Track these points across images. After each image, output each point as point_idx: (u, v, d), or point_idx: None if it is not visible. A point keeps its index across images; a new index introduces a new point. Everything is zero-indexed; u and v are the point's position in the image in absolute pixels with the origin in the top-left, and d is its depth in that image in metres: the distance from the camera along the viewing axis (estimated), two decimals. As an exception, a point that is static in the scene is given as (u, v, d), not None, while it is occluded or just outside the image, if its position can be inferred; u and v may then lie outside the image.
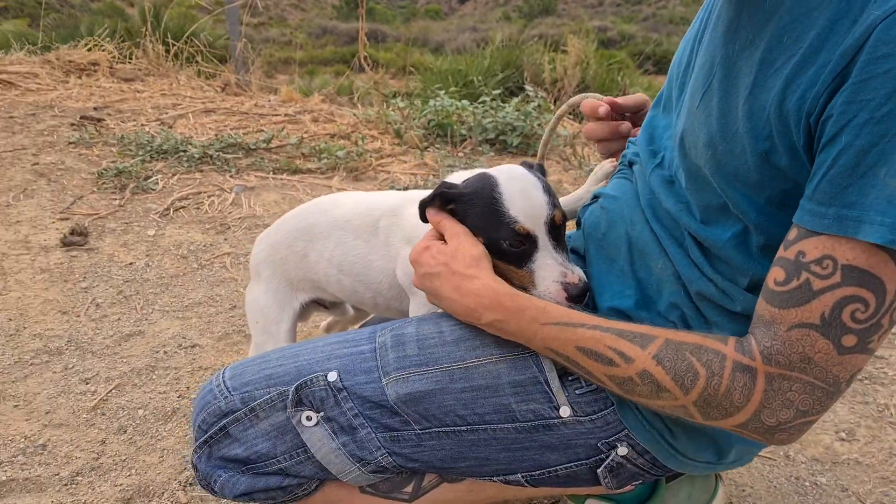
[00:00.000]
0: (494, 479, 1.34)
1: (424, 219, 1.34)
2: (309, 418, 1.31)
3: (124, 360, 2.34)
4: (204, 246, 3.16)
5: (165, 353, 2.38)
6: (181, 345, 2.43)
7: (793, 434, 1.00)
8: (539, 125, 4.70)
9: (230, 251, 3.12)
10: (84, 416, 2.08)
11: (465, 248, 1.25)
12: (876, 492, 1.89)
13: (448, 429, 1.29)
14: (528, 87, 8.95)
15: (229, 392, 1.37)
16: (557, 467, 1.30)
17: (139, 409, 2.11)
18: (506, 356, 1.28)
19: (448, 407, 1.27)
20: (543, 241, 1.25)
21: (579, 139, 4.76)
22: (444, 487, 1.41)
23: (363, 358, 1.33)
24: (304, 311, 1.86)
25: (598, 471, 1.29)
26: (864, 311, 0.89)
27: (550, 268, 1.25)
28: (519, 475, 1.32)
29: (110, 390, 2.18)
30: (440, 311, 1.40)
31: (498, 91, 8.99)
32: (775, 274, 0.97)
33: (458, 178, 1.40)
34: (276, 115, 5.29)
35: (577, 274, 1.24)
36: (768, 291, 0.99)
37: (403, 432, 1.30)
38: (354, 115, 5.11)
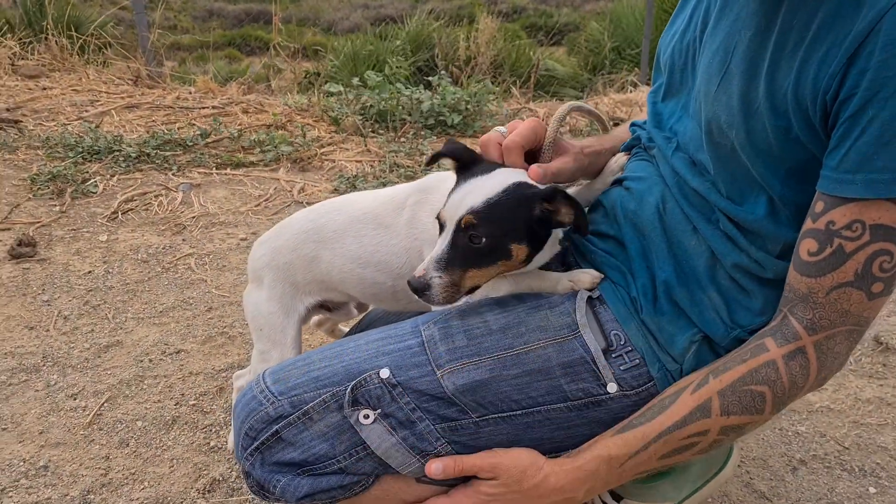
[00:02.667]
0: (548, 457, 1.40)
1: None
2: (366, 416, 1.33)
3: (108, 373, 2.27)
4: (163, 248, 3.07)
5: (150, 361, 2.33)
6: (165, 351, 2.38)
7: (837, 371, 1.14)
8: (481, 107, 4.76)
9: (191, 252, 3.05)
10: (81, 432, 2.01)
11: (507, 465, 1.28)
12: (851, 435, 2.05)
13: (504, 414, 1.34)
14: (439, 63, 8.99)
15: (276, 397, 1.37)
16: (607, 441, 1.37)
17: (137, 420, 2.07)
18: (552, 339, 1.33)
19: (503, 393, 1.32)
20: (447, 233, 1.26)
21: (520, 117, 4.84)
22: (498, 470, 1.46)
23: (412, 352, 1.36)
24: (307, 315, 1.85)
25: None
26: (890, 262, 1.02)
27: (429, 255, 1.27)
28: (573, 452, 1.38)
29: (102, 404, 2.12)
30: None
31: (407, 72, 8.99)
32: (808, 245, 1.07)
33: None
34: (204, 107, 5.14)
35: (422, 269, 1.24)
36: (802, 263, 1.08)
37: (461, 421, 1.33)
38: (286, 104, 5.03)
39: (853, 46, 0.98)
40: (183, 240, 3.16)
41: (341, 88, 5.14)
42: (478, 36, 9.14)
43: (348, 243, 1.65)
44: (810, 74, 1.03)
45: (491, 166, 1.33)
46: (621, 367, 1.32)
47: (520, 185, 1.26)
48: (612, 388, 1.31)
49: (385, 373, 1.33)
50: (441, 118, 4.69)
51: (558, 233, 1.38)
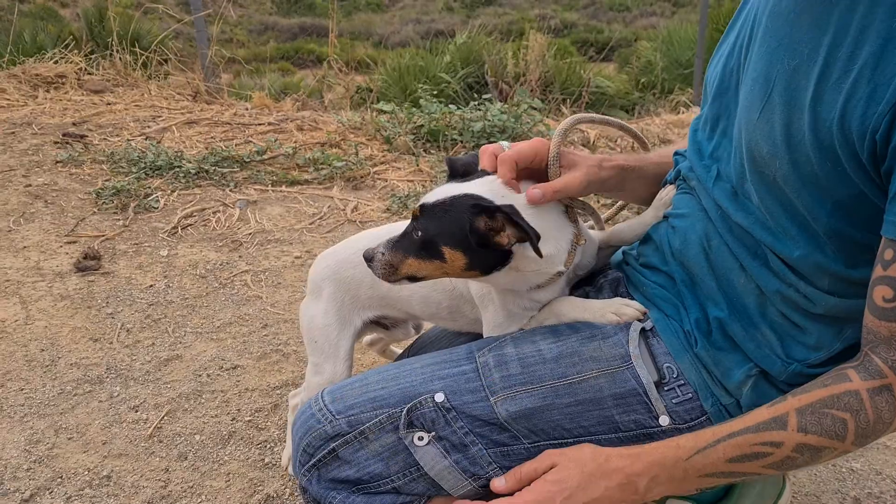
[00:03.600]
0: (598, 487, 1.41)
1: None
2: (421, 438, 1.37)
3: (168, 386, 2.35)
4: (220, 264, 3.17)
5: (208, 376, 2.40)
6: (222, 367, 2.45)
7: None
8: (529, 128, 4.79)
9: (248, 269, 3.14)
10: (142, 444, 2.09)
11: (567, 454, 1.28)
12: (908, 474, 2.02)
13: (556, 441, 1.36)
14: (489, 80, 9.01)
15: (333, 416, 1.42)
16: (658, 474, 1.38)
17: (195, 434, 2.13)
18: (605, 370, 1.35)
19: (555, 421, 1.34)
20: (410, 223, 1.35)
21: (570, 139, 4.85)
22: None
23: (466, 378, 1.39)
24: (362, 330, 1.90)
25: None
26: None
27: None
28: (621, 483, 1.39)
29: (162, 417, 2.19)
30: (516, 321, 1.48)
31: (457, 87, 9.02)
32: (882, 293, 1.06)
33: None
34: (260, 124, 5.27)
35: (378, 244, 1.37)
36: (878, 309, 1.07)
37: (513, 447, 1.36)
38: (340, 121, 5.12)
39: None
40: (239, 256, 3.25)
41: (394, 107, 5.22)
42: (527, 52, 9.12)
43: None
44: (857, 111, 1.03)
45: (476, 176, 1.37)
46: (673, 401, 1.33)
47: (470, 196, 1.29)
48: (664, 420, 1.32)
49: (440, 397, 1.37)
50: (493, 140, 4.73)
51: (555, 260, 1.37)
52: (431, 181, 4.19)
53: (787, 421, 1.13)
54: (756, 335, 1.30)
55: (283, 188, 4.04)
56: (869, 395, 1.08)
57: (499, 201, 1.30)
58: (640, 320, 1.42)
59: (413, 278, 1.36)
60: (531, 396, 1.35)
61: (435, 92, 6.29)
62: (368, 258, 1.37)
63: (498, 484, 1.32)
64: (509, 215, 1.23)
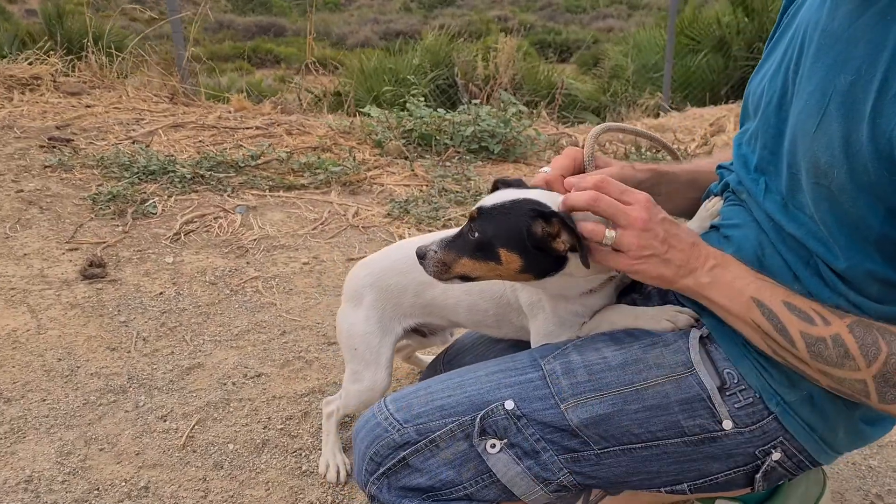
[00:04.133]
0: (662, 489, 1.46)
1: None
2: (493, 446, 1.40)
3: (194, 395, 2.34)
4: (229, 271, 3.15)
5: (234, 384, 2.40)
6: (246, 375, 2.45)
7: None
8: (518, 132, 4.84)
9: (257, 275, 3.13)
10: (176, 454, 2.08)
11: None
12: (921, 469, 2.11)
13: (625, 447, 1.40)
14: (458, 82, 9.02)
15: (401, 425, 1.44)
16: (718, 475, 1.43)
17: (228, 443, 2.13)
18: (669, 376, 1.40)
19: (625, 427, 1.38)
20: (467, 223, 1.37)
21: (559, 144, 4.93)
22: (607, 499, 1.53)
23: (534, 385, 1.43)
24: (402, 338, 1.92)
25: (756, 476, 1.42)
26: None
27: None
28: (685, 485, 1.45)
29: (193, 426, 2.19)
30: (567, 329, 1.52)
31: (426, 89, 9.01)
32: None
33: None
34: (247, 128, 5.24)
35: (430, 241, 1.39)
36: None
37: (583, 453, 1.40)
38: (330, 126, 5.12)
39: None
40: (247, 262, 3.24)
41: (381, 112, 5.23)
42: (496, 55, 9.15)
43: None
44: None
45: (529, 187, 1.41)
46: (736, 406, 1.37)
47: (529, 201, 1.32)
48: (727, 425, 1.37)
49: (510, 404, 1.40)
50: (483, 144, 4.78)
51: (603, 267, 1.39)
52: (427, 185, 4.22)
53: (845, 316, 1.20)
54: None
55: (281, 193, 4.03)
56: None
57: (556, 208, 1.33)
58: (694, 327, 1.48)
59: (465, 278, 1.39)
60: (601, 403, 1.39)
61: (411, 94, 6.29)
62: (421, 255, 1.38)
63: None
64: (565, 221, 1.27)
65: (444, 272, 1.38)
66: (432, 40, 10.23)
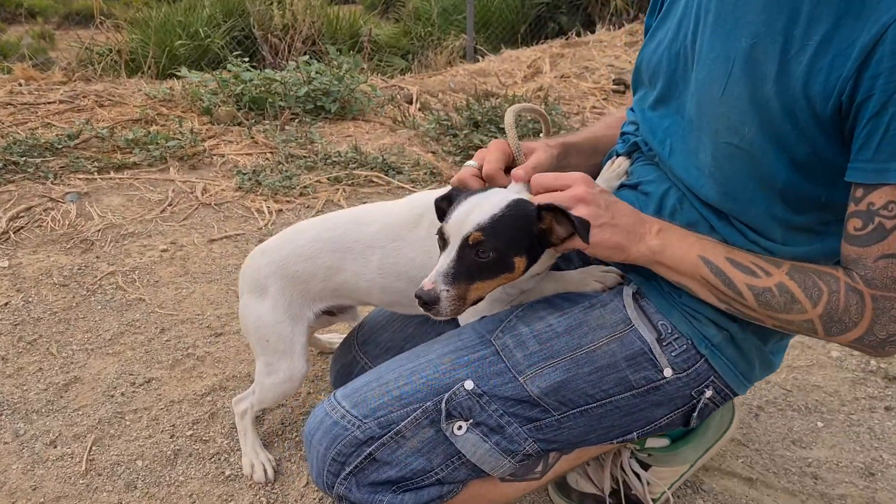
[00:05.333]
0: (614, 441, 1.56)
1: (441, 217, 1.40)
2: (460, 427, 1.42)
3: (80, 413, 2.14)
4: (78, 269, 2.87)
5: (123, 395, 2.21)
6: (134, 382, 2.27)
7: None
8: (353, 89, 4.74)
9: (112, 269, 2.88)
10: (80, 482, 1.90)
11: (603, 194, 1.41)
12: (790, 378, 2.39)
13: (582, 408, 1.47)
14: (256, 34, 8.66)
15: (361, 420, 1.43)
16: (662, 419, 1.54)
17: (136, 460, 1.98)
18: (613, 335, 1.48)
19: (580, 389, 1.45)
20: (452, 248, 1.32)
21: (397, 99, 4.89)
22: (562, 459, 1.61)
23: (489, 362, 1.46)
24: (314, 323, 1.87)
25: (693, 415, 1.55)
26: None
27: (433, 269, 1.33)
28: (634, 433, 1.55)
29: (90, 448, 2.01)
30: (498, 305, 1.57)
31: (221, 41, 8.53)
32: (854, 224, 1.27)
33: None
34: (50, 102, 4.73)
35: (431, 282, 1.30)
36: (850, 237, 1.27)
37: (545, 420, 1.46)
38: (148, 94, 4.73)
39: (862, 56, 1.16)
40: (97, 257, 2.96)
41: (200, 76, 4.92)
42: (293, 2, 8.81)
43: (374, 255, 1.69)
44: (820, 78, 1.21)
45: (484, 189, 1.43)
46: (673, 354, 1.48)
47: (520, 202, 1.35)
48: (668, 373, 1.48)
49: (469, 384, 1.43)
50: (319, 104, 4.64)
51: None
52: (272, 152, 4.05)
53: (782, 265, 1.33)
54: None
55: (113, 174, 3.70)
56: (845, 287, 1.26)
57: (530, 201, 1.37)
58: (621, 284, 1.57)
59: (476, 301, 1.36)
60: (555, 370, 1.44)
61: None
62: (432, 301, 1.28)
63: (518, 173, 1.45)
64: (563, 211, 1.29)
65: (460, 307, 1.32)
66: None
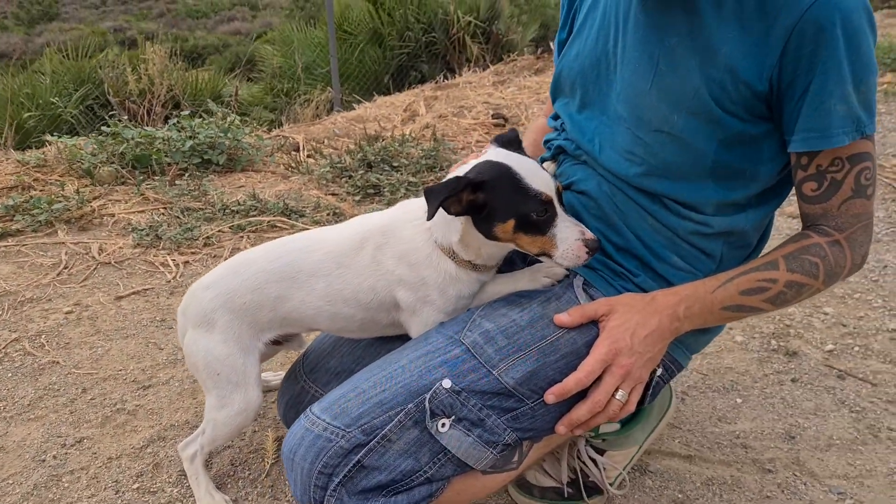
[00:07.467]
0: (581, 424, 1.64)
1: (433, 213, 1.42)
2: (444, 425, 1.47)
3: (10, 482, 2.00)
4: (-23, 339, 2.70)
5: (55, 458, 2.09)
6: (64, 444, 2.15)
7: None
8: (239, 140, 4.72)
9: (16, 336, 2.72)
10: (25, 551, 1.79)
11: (620, 300, 1.56)
12: (704, 364, 2.58)
13: (553, 395, 1.56)
14: (112, 101, 8.44)
15: (344, 430, 1.46)
16: (620, 400, 1.65)
17: (82, 521, 1.89)
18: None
19: (550, 377, 1.54)
20: (558, 208, 1.51)
21: (285, 147, 4.89)
22: (534, 448, 1.68)
23: (462, 360, 1.52)
24: (264, 352, 1.87)
25: (647, 393, 1.67)
26: (870, 171, 1.45)
27: (570, 229, 1.50)
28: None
29: (30, 517, 1.89)
30: (450, 315, 1.66)
31: (75, 110, 8.26)
32: (809, 186, 1.47)
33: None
34: None
35: (590, 232, 1.50)
36: (809, 198, 1.48)
37: (521, 409, 1.53)
38: (18, 160, 4.51)
39: (780, 45, 1.36)
40: (-4, 326, 2.80)
41: (75, 139, 4.75)
42: (147, 66, 8.65)
43: (319, 283, 1.72)
44: (748, 65, 1.40)
45: (494, 161, 1.54)
46: None
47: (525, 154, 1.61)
48: None
49: (447, 383, 1.49)
50: (206, 157, 4.58)
51: None
52: (165, 207, 3.96)
53: (778, 264, 1.49)
54: (667, 269, 1.64)
55: (-4, 243, 3.50)
56: (828, 246, 1.47)
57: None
58: (568, 276, 1.69)
59: None
60: (526, 361, 1.53)
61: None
62: (596, 249, 1.51)
63: (562, 317, 1.55)
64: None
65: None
66: (50, 61, 9.33)
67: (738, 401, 2.36)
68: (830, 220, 1.48)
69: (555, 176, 1.80)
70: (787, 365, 2.54)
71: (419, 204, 1.65)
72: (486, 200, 1.48)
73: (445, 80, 7.79)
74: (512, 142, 1.65)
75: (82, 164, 4.38)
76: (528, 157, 1.58)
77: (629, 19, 1.58)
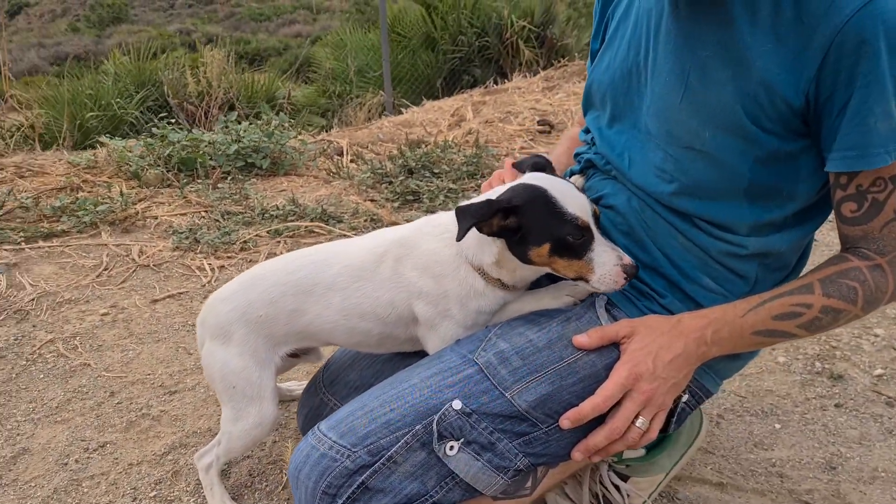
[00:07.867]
0: (599, 451, 1.57)
1: (462, 235, 1.40)
2: (452, 448, 1.42)
3: (32, 485, 2.02)
4: (15, 339, 2.74)
5: (77, 462, 2.11)
6: (87, 448, 2.16)
7: None
8: (283, 144, 4.74)
9: (52, 337, 2.76)
10: (40, 556, 1.80)
11: (644, 321, 1.49)
12: (742, 386, 2.47)
13: (569, 420, 1.49)
14: (171, 102, 8.59)
15: (350, 449, 1.41)
16: (642, 428, 1.57)
17: (99, 527, 1.89)
18: (592, 347, 1.51)
19: (566, 401, 1.47)
20: (595, 231, 1.46)
21: (328, 152, 4.90)
22: (549, 475, 1.61)
23: (475, 381, 1.46)
24: (281, 365, 1.84)
25: (672, 420, 1.59)
26: None
27: (608, 254, 1.45)
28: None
29: (48, 520, 1.90)
30: (469, 330, 1.60)
31: (135, 111, 8.44)
32: (849, 207, 1.38)
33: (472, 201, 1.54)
34: (-36, 175, 4.54)
35: (628, 256, 1.45)
36: (848, 219, 1.39)
37: (534, 434, 1.47)
38: (70, 162, 4.62)
39: (819, 58, 1.27)
40: (33, 326, 2.84)
41: (121, 142, 4.83)
42: (206, 69, 8.80)
43: (336, 297, 1.68)
44: (784, 79, 1.31)
45: (529, 183, 1.50)
46: None
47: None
48: None
49: (458, 404, 1.43)
50: (250, 160, 4.62)
51: None
52: (206, 211, 3.99)
53: (814, 288, 1.39)
54: (698, 290, 1.55)
55: (41, 243, 3.57)
56: (868, 271, 1.38)
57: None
58: (592, 295, 1.61)
59: None
60: (541, 383, 1.46)
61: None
62: (634, 275, 1.45)
63: (581, 339, 1.48)
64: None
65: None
66: (118, 62, 9.57)
67: (777, 426, 2.25)
68: (871, 243, 1.38)
69: (583, 190, 1.74)
70: (831, 389, 2.41)
71: (449, 217, 1.61)
72: (519, 224, 1.44)
73: (495, 85, 7.71)
74: (543, 168, 1.61)
75: (130, 166, 4.45)
76: (564, 179, 1.53)
77: (661, 30, 1.50)
